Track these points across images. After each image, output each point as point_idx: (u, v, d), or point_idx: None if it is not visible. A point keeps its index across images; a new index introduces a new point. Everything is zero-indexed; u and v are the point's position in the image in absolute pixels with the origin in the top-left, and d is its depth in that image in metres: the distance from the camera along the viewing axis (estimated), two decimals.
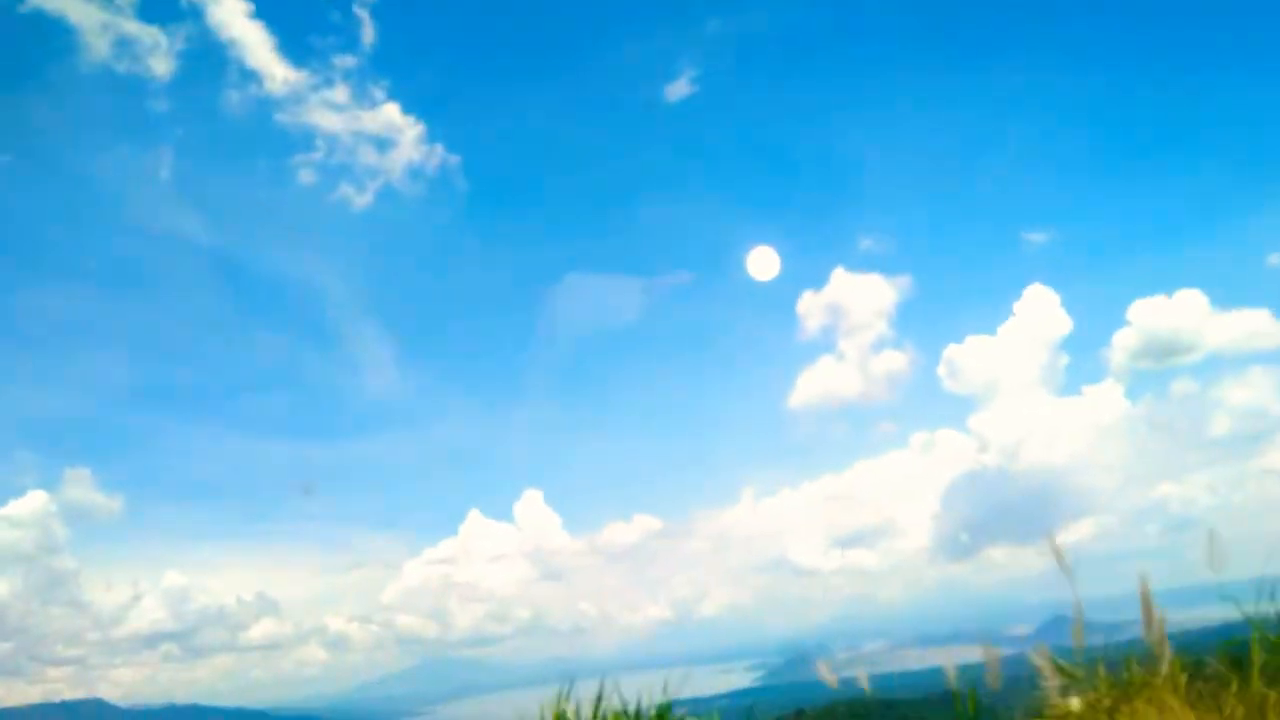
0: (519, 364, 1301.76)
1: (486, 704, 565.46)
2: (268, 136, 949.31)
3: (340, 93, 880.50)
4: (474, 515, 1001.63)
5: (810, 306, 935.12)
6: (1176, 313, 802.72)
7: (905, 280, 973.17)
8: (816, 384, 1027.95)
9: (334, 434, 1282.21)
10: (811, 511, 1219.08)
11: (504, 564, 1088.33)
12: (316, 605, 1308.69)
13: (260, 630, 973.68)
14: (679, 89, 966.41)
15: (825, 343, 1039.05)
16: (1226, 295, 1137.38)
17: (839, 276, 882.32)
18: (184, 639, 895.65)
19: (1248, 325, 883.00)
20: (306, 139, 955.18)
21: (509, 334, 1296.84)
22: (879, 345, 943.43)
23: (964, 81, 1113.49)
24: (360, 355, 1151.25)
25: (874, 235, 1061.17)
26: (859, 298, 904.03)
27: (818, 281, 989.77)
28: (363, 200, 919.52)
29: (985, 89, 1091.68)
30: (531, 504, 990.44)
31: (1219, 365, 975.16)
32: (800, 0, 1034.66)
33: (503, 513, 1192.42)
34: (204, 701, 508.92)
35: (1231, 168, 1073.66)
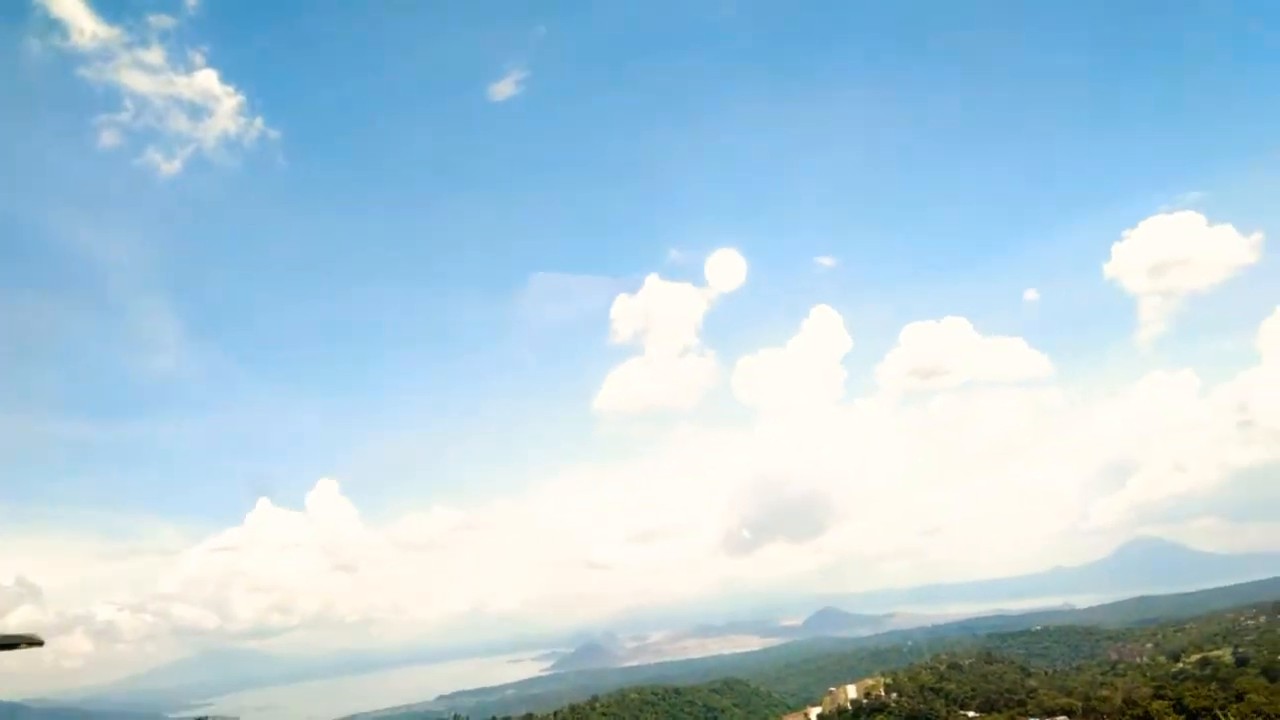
0: (319, 350, 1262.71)
1: (268, 696, 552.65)
2: (69, 92, 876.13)
3: (154, 54, 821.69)
4: (263, 504, 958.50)
5: (624, 310, 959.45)
6: (943, 337, 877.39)
7: (715, 292, 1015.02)
8: (623, 385, 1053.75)
9: (112, 412, 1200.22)
10: (608, 507, 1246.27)
11: (293, 554, 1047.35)
12: (84, 593, 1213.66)
13: (17, 618, 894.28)
14: (504, 89, 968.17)
15: (635, 346, 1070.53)
16: (988, 324, 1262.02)
17: (652, 283, 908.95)
18: None
19: (1004, 351, 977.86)
20: (113, 98, 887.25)
21: (313, 320, 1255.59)
22: (685, 352, 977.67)
23: (775, 111, 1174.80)
24: (148, 331, 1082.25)
25: (683, 247, 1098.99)
26: (670, 305, 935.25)
27: (632, 286, 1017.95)
28: (170, 168, 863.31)
29: (794, 120, 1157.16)
30: (326, 493, 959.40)
31: (977, 386, 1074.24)
32: (630, 14, 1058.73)
33: (295, 502, 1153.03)
34: None
35: (999, 209, 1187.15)
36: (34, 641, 19.25)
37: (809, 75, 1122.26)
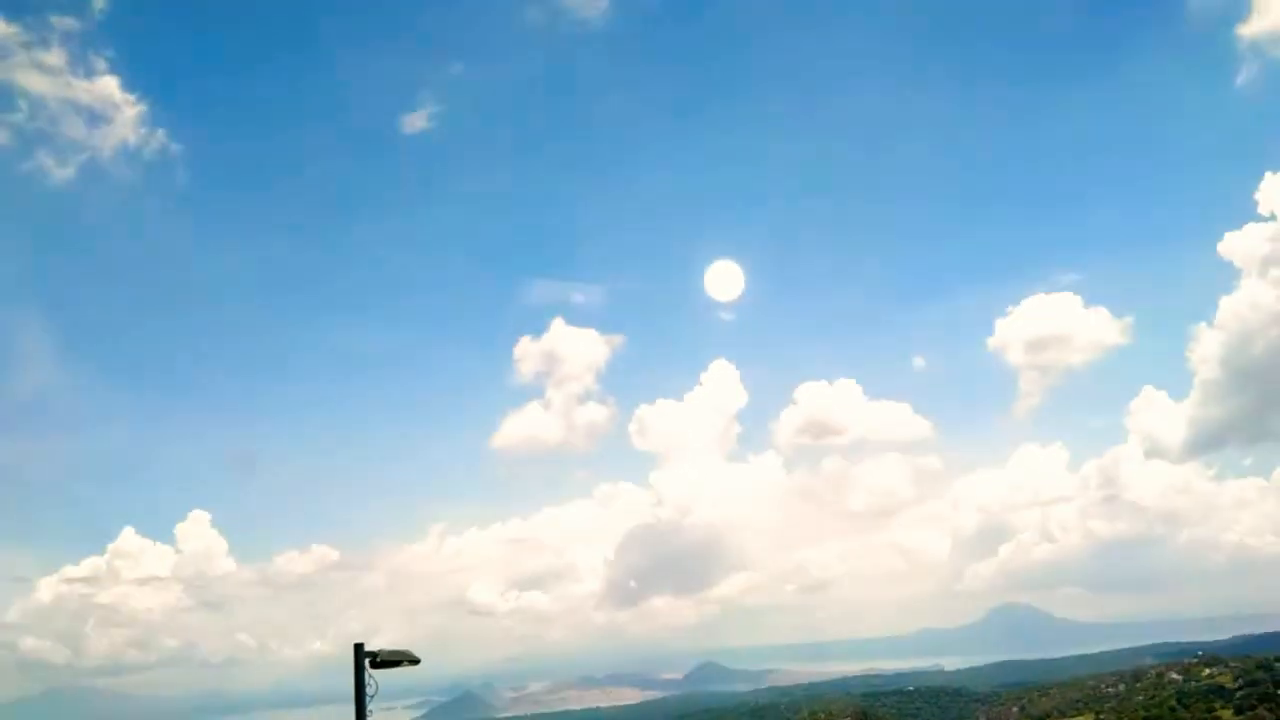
0: (203, 376, 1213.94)
1: None
2: None
3: (55, 55, 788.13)
4: (128, 533, 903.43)
5: (527, 352, 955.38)
6: (834, 398, 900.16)
7: (619, 339, 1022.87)
8: (522, 427, 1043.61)
9: None
10: (495, 552, 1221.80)
11: (156, 588, 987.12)
12: None
13: None
14: (416, 122, 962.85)
15: (536, 389, 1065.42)
16: (877, 387, 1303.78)
17: (557, 327, 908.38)
18: None
19: (890, 415, 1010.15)
20: (6, 98, 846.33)
21: (199, 344, 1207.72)
22: (585, 397, 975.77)
23: (685, 161, 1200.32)
24: (12, 344, 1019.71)
25: (589, 292, 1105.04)
26: (574, 350, 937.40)
27: (536, 329, 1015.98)
28: (62, 174, 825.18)
29: (701, 173, 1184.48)
30: (197, 525, 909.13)
31: (863, 447, 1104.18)
32: (544, 57, 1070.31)
33: (163, 533, 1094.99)
34: None
35: (892, 277, 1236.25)
36: (413, 660, 19.02)
37: (715, 130, 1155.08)
